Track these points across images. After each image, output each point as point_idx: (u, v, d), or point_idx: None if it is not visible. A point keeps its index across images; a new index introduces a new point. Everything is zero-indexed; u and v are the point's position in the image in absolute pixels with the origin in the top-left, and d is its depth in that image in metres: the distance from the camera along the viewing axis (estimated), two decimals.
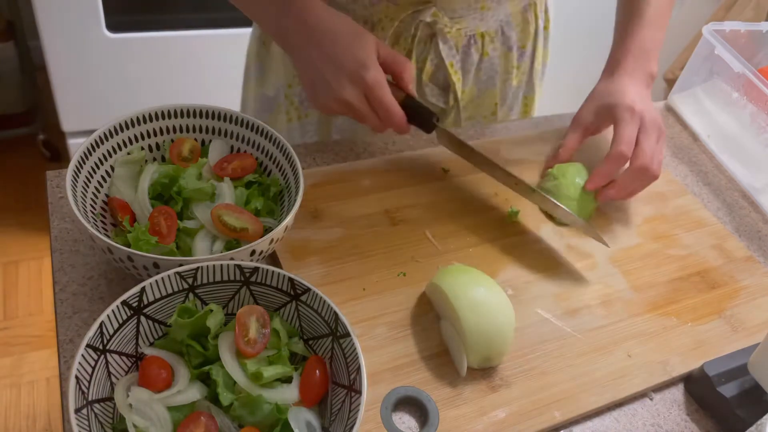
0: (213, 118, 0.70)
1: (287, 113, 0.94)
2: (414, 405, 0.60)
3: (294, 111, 0.94)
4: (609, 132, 0.94)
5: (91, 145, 0.63)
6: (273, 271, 0.56)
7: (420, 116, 0.74)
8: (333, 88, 0.68)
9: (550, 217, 0.80)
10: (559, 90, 1.14)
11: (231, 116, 0.69)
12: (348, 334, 0.53)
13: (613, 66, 0.83)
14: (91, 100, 1.64)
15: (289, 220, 0.60)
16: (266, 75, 0.97)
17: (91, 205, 0.62)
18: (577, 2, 1.98)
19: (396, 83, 0.73)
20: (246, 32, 1.69)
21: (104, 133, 0.64)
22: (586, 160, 0.85)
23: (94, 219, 0.61)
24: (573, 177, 0.79)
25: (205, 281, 0.55)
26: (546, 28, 0.97)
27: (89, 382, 0.48)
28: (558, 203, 0.74)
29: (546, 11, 0.95)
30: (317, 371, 0.54)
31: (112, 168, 0.66)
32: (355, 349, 0.52)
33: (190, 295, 0.56)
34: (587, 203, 0.79)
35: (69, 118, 1.67)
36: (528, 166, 0.85)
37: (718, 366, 0.64)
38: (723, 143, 0.98)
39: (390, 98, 0.70)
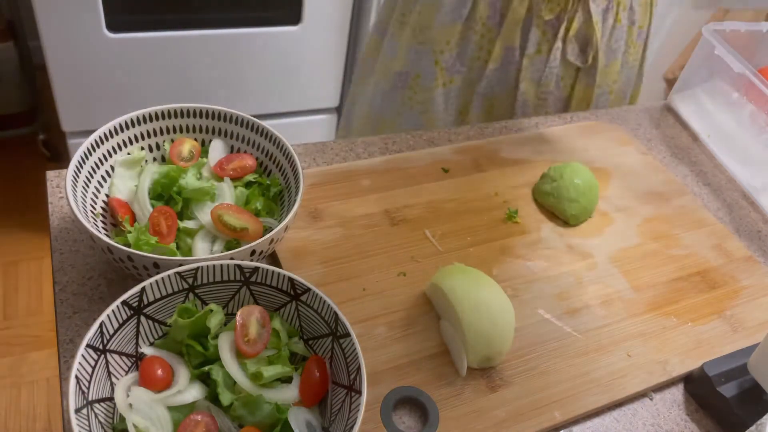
0: (213, 118, 0.70)
1: (434, 79, 0.96)
2: (414, 405, 0.60)
3: (441, 77, 0.96)
4: (607, 130, 0.94)
5: (91, 145, 0.63)
6: (273, 271, 0.56)
7: None
8: None
9: (552, 215, 0.80)
10: None
11: (231, 116, 0.69)
12: (348, 334, 0.53)
13: None
14: (91, 100, 1.64)
15: (289, 220, 0.60)
16: (397, 52, 0.99)
17: (91, 205, 0.62)
18: None
19: None
20: (246, 32, 1.69)
21: (104, 133, 0.64)
22: (584, 159, 0.85)
23: (94, 219, 0.61)
24: (571, 178, 0.78)
25: (205, 281, 0.55)
26: (650, 17, 1.00)
27: (89, 382, 0.48)
28: None
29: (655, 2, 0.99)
30: (317, 371, 0.54)
31: (112, 168, 0.66)
32: (355, 349, 0.52)
33: (190, 295, 0.56)
34: (587, 203, 0.79)
35: (69, 118, 1.67)
36: (528, 166, 0.85)
37: (718, 366, 0.64)
38: (723, 143, 0.98)
39: None
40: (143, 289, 0.52)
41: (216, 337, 0.54)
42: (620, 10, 0.93)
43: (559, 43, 0.92)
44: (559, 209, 0.78)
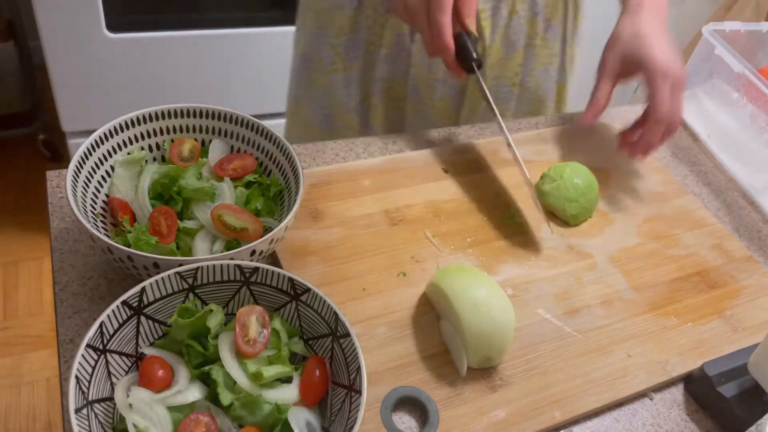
0: (213, 118, 0.70)
1: (333, 64, 0.96)
2: (414, 405, 0.60)
3: (339, 62, 0.96)
4: (607, 130, 0.94)
5: (91, 145, 0.63)
6: (273, 271, 0.56)
7: (463, 54, 0.77)
8: None
9: (552, 215, 0.80)
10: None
11: (231, 116, 0.69)
12: (348, 334, 0.53)
13: (634, 5, 0.83)
14: (91, 100, 1.64)
15: (289, 220, 0.60)
16: (302, 36, 1.00)
17: (91, 205, 0.62)
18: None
19: (456, 15, 0.76)
20: (246, 32, 1.69)
21: (104, 133, 0.64)
22: (584, 159, 0.85)
23: (94, 219, 0.61)
24: (571, 178, 0.78)
25: (205, 281, 0.55)
26: (576, 18, 0.98)
27: (89, 382, 0.48)
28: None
29: (577, 1, 0.97)
30: (317, 371, 0.54)
31: (112, 168, 0.66)
32: (355, 349, 0.52)
33: (190, 295, 0.56)
34: (587, 203, 0.79)
35: (69, 118, 1.67)
36: (528, 165, 0.85)
37: (718, 366, 0.64)
38: (723, 143, 0.98)
39: (446, 19, 0.73)
40: (143, 289, 0.52)
41: (216, 337, 0.54)
42: (518, 1, 0.91)
43: None
44: (558, 209, 0.78)
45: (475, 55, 0.77)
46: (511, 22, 0.92)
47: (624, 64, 0.82)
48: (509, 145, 0.77)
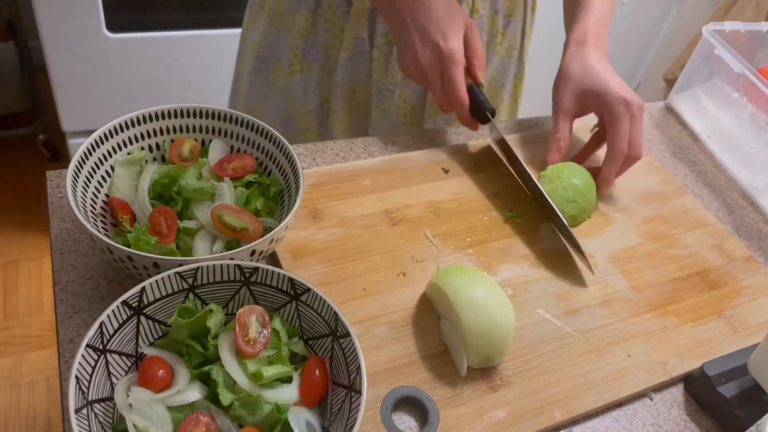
0: (213, 118, 0.70)
1: (290, 66, 0.95)
2: (414, 405, 0.60)
3: (297, 64, 0.95)
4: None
5: (91, 145, 0.63)
6: (273, 271, 0.56)
7: (478, 106, 0.79)
8: (416, 52, 0.76)
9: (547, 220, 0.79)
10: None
11: (231, 116, 0.69)
12: (348, 334, 0.53)
13: (577, 41, 0.83)
14: (91, 100, 1.64)
15: (289, 220, 0.60)
16: (256, 37, 0.98)
17: (91, 205, 0.62)
18: None
19: (466, 66, 0.78)
20: None
21: (104, 133, 0.64)
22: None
23: (94, 219, 0.61)
24: (569, 178, 0.78)
25: (205, 281, 0.55)
26: (533, 9, 0.99)
27: (89, 382, 0.48)
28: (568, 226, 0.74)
29: None
30: (317, 371, 0.54)
31: (112, 168, 0.66)
32: (355, 349, 0.52)
33: (190, 295, 0.56)
34: (586, 204, 0.78)
35: (69, 118, 1.67)
36: (527, 166, 0.85)
37: (718, 366, 0.64)
38: (723, 143, 0.98)
39: (459, 77, 0.76)
40: (143, 289, 0.52)
41: (216, 337, 0.54)
42: (478, 0, 0.91)
43: None
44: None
45: (489, 105, 0.79)
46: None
47: (580, 100, 0.82)
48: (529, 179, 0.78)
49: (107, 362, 0.51)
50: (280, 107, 0.99)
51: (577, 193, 0.77)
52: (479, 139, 0.89)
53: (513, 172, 0.83)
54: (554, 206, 0.75)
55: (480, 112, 0.80)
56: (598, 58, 0.81)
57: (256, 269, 0.56)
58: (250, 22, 0.99)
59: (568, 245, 0.76)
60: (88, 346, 0.48)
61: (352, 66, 0.93)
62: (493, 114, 0.79)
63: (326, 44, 0.92)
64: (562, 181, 0.78)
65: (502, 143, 0.82)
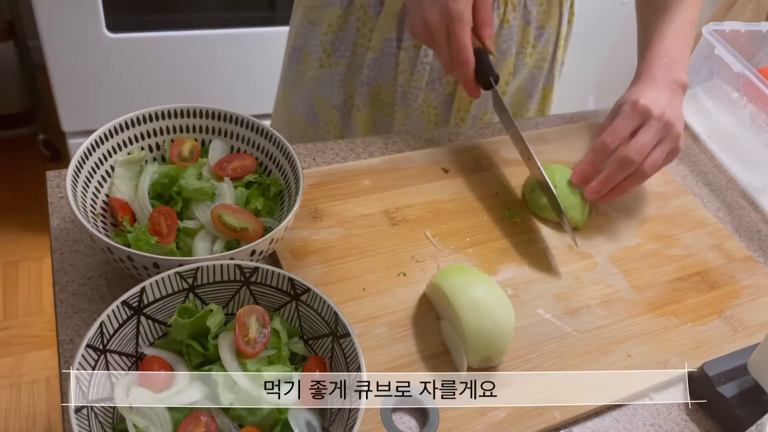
0: (213, 118, 0.70)
1: (319, 59, 0.96)
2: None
3: (326, 58, 0.96)
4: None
5: (91, 145, 0.63)
6: (273, 271, 0.56)
7: (482, 71, 0.77)
8: (423, 9, 0.75)
9: (545, 220, 0.79)
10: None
11: (231, 116, 0.69)
12: (348, 334, 0.53)
13: (637, 76, 0.81)
14: (91, 100, 1.64)
15: (289, 220, 0.60)
16: (293, 28, 1.01)
17: (91, 205, 0.62)
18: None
19: (474, 32, 0.77)
20: (246, 32, 1.69)
21: (104, 133, 0.64)
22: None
23: (94, 219, 0.61)
24: (563, 183, 0.78)
25: (205, 281, 0.55)
26: (570, 22, 0.98)
27: (89, 382, 0.48)
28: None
29: (572, 4, 0.96)
30: (317, 371, 0.54)
31: (112, 168, 0.66)
32: (355, 349, 0.52)
33: (190, 295, 0.56)
34: (583, 206, 0.78)
35: (69, 118, 1.67)
36: (528, 165, 0.85)
37: (718, 366, 0.64)
38: (723, 143, 0.98)
39: (466, 37, 0.74)
40: (143, 289, 0.52)
41: (216, 337, 0.54)
42: (509, 10, 0.90)
43: None
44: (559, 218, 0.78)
45: (494, 71, 0.77)
46: (502, 31, 0.91)
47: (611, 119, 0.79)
48: (529, 158, 0.77)
49: (107, 362, 0.51)
50: (307, 99, 1.01)
51: (578, 194, 0.77)
52: (479, 139, 0.89)
53: (511, 140, 0.82)
54: (546, 176, 0.75)
55: (484, 78, 0.77)
56: (653, 86, 0.78)
57: (256, 269, 0.56)
58: (293, 14, 1.02)
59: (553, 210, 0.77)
60: (88, 346, 0.48)
61: (379, 67, 0.94)
62: (497, 80, 0.78)
63: (355, 42, 0.93)
64: (560, 190, 0.77)
65: (504, 113, 0.80)
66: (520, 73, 0.98)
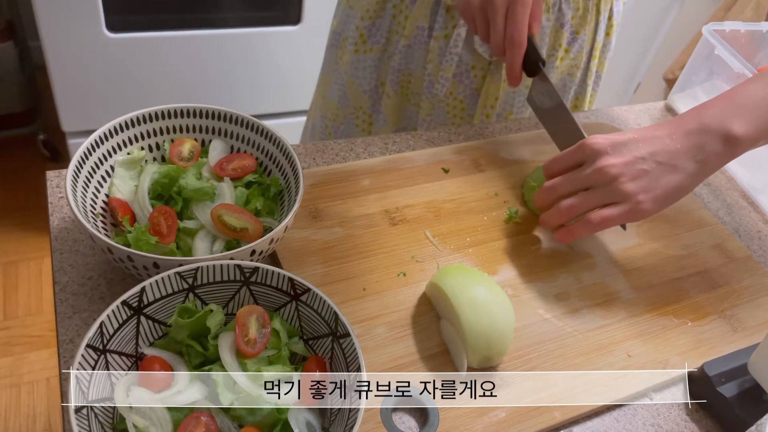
0: (213, 118, 0.70)
1: (355, 44, 0.97)
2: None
3: (361, 43, 0.97)
4: (607, 130, 0.95)
5: (91, 145, 0.63)
6: (273, 271, 0.56)
7: (529, 55, 0.77)
8: None
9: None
10: None
11: (231, 116, 0.69)
12: (348, 334, 0.53)
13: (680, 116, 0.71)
14: (91, 100, 1.64)
15: (289, 220, 0.60)
16: (336, 13, 1.02)
17: (91, 205, 0.62)
18: None
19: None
20: (246, 32, 1.69)
21: (104, 133, 0.64)
22: None
23: (94, 219, 0.61)
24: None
25: (205, 281, 0.55)
26: (608, 33, 0.96)
27: (89, 382, 0.48)
28: None
29: (611, 16, 0.94)
30: (317, 371, 0.54)
31: (112, 168, 0.66)
32: (355, 349, 0.52)
33: (190, 295, 0.56)
34: None
35: (69, 118, 1.67)
36: (528, 165, 0.85)
37: (718, 366, 0.64)
38: None
39: (525, 18, 0.74)
40: (143, 289, 0.52)
41: (216, 337, 0.54)
42: (543, 10, 0.88)
43: (461, 30, 0.90)
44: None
45: (542, 56, 0.78)
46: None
47: None
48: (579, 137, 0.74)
49: (107, 362, 0.51)
50: (341, 83, 1.02)
51: None
52: (479, 139, 0.89)
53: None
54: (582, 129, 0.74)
55: (530, 64, 0.78)
56: (664, 126, 0.68)
57: (256, 269, 0.56)
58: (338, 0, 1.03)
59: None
60: (88, 346, 0.48)
61: (410, 54, 0.95)
62: (544, 64, 0.78)
63: (390, 29, 0.94)
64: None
65: (554, 97, 0.78)
66: (550, 77, 0.96)
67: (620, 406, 0.64)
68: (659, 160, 0.66)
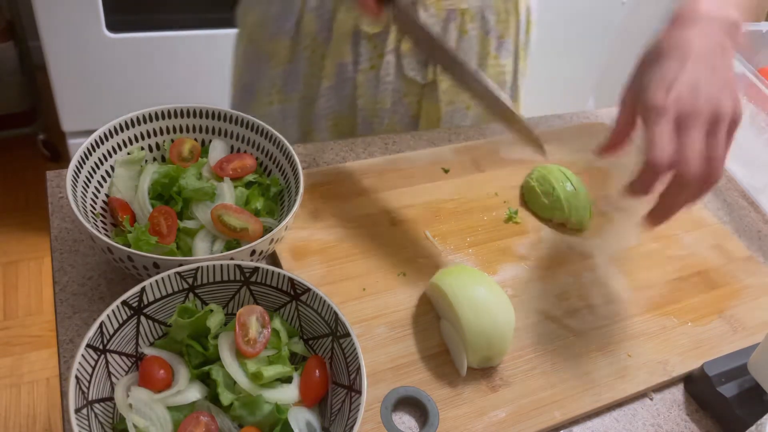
0: (213, 118, 0.70)
1: (269, 95, 0.92)
2: (414, 405, 0.60)
3: (276, 94, 0.92)
4: (606, 130, 0.95)
5: (91, 145, 0.63)
6: (273, 271, 0.56)
7: None
8: None
9: (548, 220, 0.79)
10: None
11: (231, 116, 0.69)
12: (348, 334, 0.53)
13: (677, 14, 0.62)
14: (91, 100, 1.64)
15: (289, 220, 0.60)
16: (240, 63, 0.95)
17: (91, 205, 0.62)
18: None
19: None
20: None
21: (104, 133, 0.64)
22: (584, 160, 0.85)
23: (94, 219, 0.61)
24: (563, 187, 0.77)
25: (205, 281, 0.55)
26: (528, 31, 0.95)
27: (89, 382, 0.48)
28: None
29: (528, 13, 0.93)
30: (317, 371, 0.54)
31: (112, 168, 0.66)
32: (355, 349, 0.52)
33: (190, 295, 0.56)
34: (586, 208, 0.78)
35: (69, 118, 1.67)
36: (527, 165, 0.85)
37: (718, 366, 0.64)
38: None
39: None
40: (143, 289, 0.52)
41: (216, 337, 0.54)
42: (466, 21, 0.86)
43: (389, 57, 0.85)
44: (567, 221, 0.77)
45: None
46: (462, 43, 0.89)
47: (632, 101, 0.61)
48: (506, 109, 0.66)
49: (107, 362, 0.51)
50: None
51: (579, 198, 0.77)
52: (479, 139, 0.89)
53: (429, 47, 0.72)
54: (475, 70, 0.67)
55: None
56: (699, 35, 0.59)
57: (256, 269, 0.56)
58: (235, 48, 0.95)
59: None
60: (88, 346, 0.48)
61: (335, 95, 0.90)
62: None
63: (306, 73, 0.89)
64: (567, 192, 0.77)
65: (426, 33, 0.70)
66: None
67: (620, 406, 0.64)
68: (709, 94, 0.57)
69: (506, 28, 0.91)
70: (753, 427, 0.62)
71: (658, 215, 0.60)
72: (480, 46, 0.90)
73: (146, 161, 0.68)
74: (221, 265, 0.55)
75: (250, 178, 0.68)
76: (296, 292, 0.56)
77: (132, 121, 0.66)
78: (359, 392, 0.50)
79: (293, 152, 0.67)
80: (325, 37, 0.86)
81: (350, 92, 0.90)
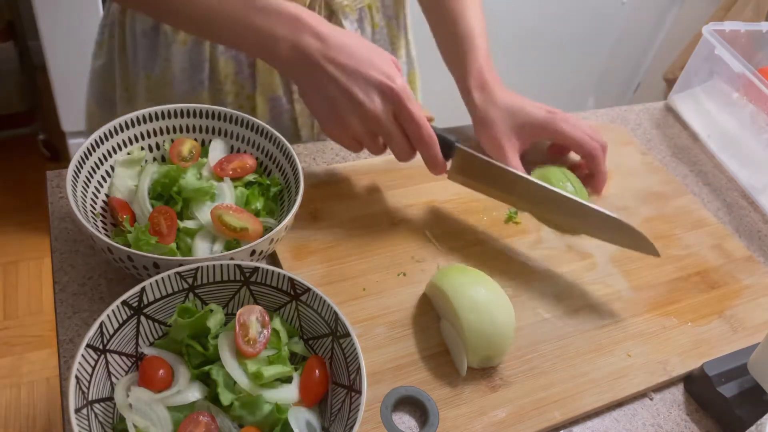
0: (213, 118, 0.70)
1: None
2: (414, 405, 0.60)
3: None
4: (606, 130, 0.94)
5: (91, 145, 0.63)
6: (273, 271, 0.56)
7: (443, 140, 0.71)
8: (360, 102, 0.63)
9: (548, 221, 0.79)
10: None
11: (231, 116, 0.69)
12: (348, 334, 0.53)
13: (480, 87, 0.79)
14: None
15: (289, 220, 0.60)
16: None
17: (91, 205, 0.62)
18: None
19: None
20: None
21: (104, 133, 0.64)
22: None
23: (94, 219, 0.61)
24: (561, 184, 0.78)
25: (205, 281, 0.55)
26: (409, 51, 0.97)
27: (89, 382, 0.48)
28: (613, 215, 0.71)
29: (407, 33, 0.95)
30: (317, 371, 0.54)
31: (112, 168, 0.66)
32: (355, 349, 0.52)
33: (190, 295, 0.56)
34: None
35: (69, 118, 1.67)
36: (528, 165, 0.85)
37: (718, 366, 0.64)
38: (723, 143, 0.98)
39: (420, 111, 0.66)
40: (143, 289, 0.52)
41: (216, 337, 0.54)
42: (374, 13, 0.85)
43: None
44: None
45: (450, 136, 0.71)
46: (376, 36, 0.89)
47: (522, 135, 0.79)
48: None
49: (107, 362, 0.51)
50: None
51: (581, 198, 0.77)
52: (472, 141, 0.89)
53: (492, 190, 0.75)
54: (561, 191, 0.72)
55: (444, 147, 0.71)
56: (507, 95, 0.79)
57: (256, 269, 0.56)
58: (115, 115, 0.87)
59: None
60: (88, 346, 0.48)
61: (275, 128, 0.84)
62: (458, 141, 0.72)
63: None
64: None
65: (488, 161, 0.73)
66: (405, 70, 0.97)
67: (620, 406, 0.64)
68: None
69: (400, 8, 0.91)
70: (753, 427, 0.62)
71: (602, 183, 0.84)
72: (389, 33, 0.91)
73: (146, 161, 0.68)
74: (221, 265, 0.55)
75: (250, 178, 0.68)
76: (296, 292, 0.56)
77: (132, 121, 0.66)
78: (359, 392, 0.50)
79: (293, 152, 0.67)
80: (247, 75, 0.82)
81: (289, 125, 0.87)
